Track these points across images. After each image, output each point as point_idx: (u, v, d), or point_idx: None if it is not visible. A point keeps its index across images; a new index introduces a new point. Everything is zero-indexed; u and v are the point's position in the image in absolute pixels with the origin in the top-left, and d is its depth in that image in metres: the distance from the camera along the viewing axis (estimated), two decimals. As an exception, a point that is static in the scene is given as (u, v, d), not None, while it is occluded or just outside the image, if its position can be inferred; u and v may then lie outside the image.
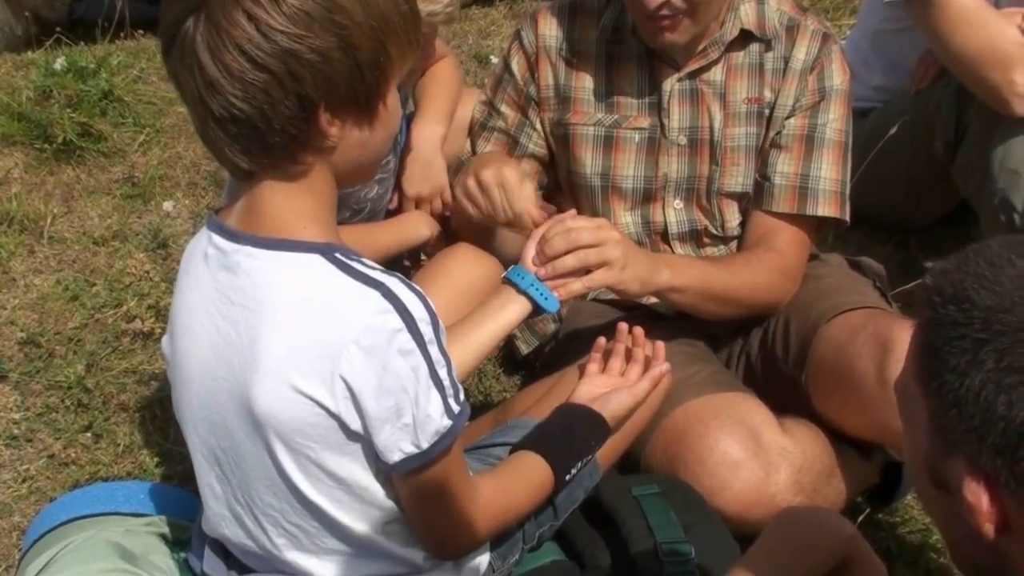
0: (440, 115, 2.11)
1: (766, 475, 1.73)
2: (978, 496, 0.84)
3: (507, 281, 1.69)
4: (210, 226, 1.30)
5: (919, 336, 0.90)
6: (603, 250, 1.67)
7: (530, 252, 1.69)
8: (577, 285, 1.67)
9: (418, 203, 2.08)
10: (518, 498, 1.46)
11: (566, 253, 1.65)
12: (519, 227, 1.76)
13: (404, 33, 1.23)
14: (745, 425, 1.76)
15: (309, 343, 1.21)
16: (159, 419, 2.08)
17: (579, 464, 1.55)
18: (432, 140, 2.08)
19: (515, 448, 1.54)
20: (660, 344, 1.69)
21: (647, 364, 1.68)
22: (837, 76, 1.93)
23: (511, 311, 1.66)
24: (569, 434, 1.57)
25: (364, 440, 1.26)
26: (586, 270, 1.67)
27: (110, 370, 2.17)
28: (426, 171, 2.06)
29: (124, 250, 2.47)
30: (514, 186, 1.74)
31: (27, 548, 1.60)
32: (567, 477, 1.53)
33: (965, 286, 0.85)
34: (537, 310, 1.67)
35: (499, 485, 1.43)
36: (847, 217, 1.95)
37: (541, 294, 1.65)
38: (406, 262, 2.08)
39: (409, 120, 2.11)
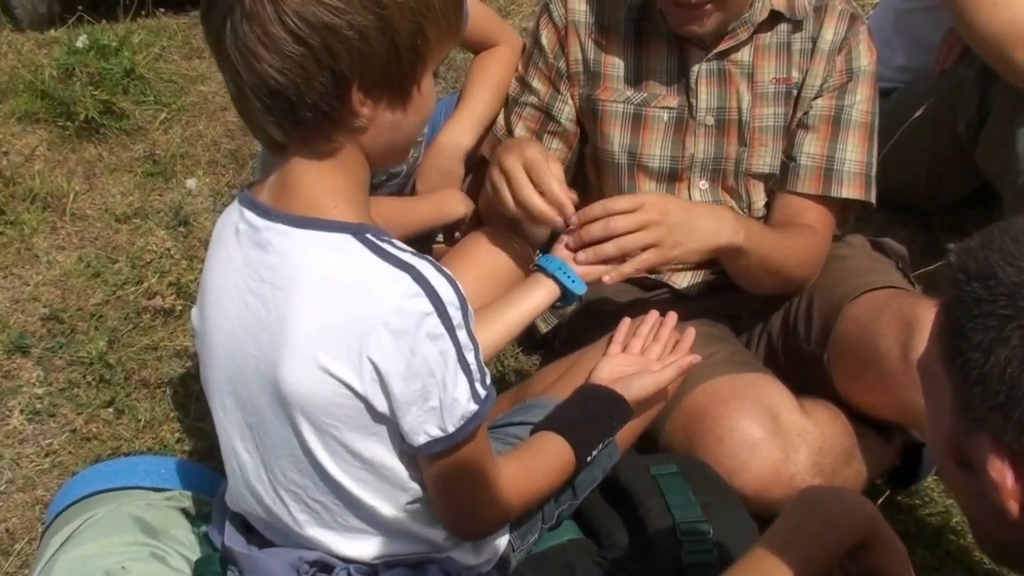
0: (474, 125, 2.05)
1: (785, 456, 1.73)
2: (1003, 474, 0.84)
3: (536, 267, 1.70)
4: (242, 201, 1.30)
5: (943, 315, 0.90)
6: (644, 235, 1.66)
7: (561, 238, 1.69)
8: (627, 267, 1.67)
9: None
10: (540, 479, 1.47)
11: (605, 240, 1.65)
12: (540, 219, 1.70)
13: (445, 18, 1.22)
14: (764, 405, 1.75)
15: (338, 323, 1.21)
16: (180, 395, 2.09)
17: (600, 445, 1.55)
18: (456, 151, 2.04)
19: (537, 428, 1.54)
20: (691, 331, 1.69)
21: (673, 348, 1.68)
22: (864, 57, 1.92)
23: (538, 296, 1.67)
24: (591, 415, 1.57)
25: (390, 422, 1.26)
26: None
27: (131, 346, 2.18)
28: (442, 179, 2.05)
29: (145, 227, 2.48)
30: (539, 163, 1.70)
31: (50, 521, 1.62)
32: (588, 458, 1.53)
33: (990, 263, 0.85)
34: (566, 295, 1.67)
35: (522, 467, 1.43)
36: (873, 199, 1.94)
37: (569, 278, 1.66)
38: (439, 237, 2.07)
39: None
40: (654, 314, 1.71)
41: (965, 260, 0.87)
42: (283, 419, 1.28)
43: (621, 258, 1.67)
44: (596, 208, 1.68)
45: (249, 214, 1.28)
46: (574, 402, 1.60)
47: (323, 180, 1.24)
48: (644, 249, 1.67)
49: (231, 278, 1.30)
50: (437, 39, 1.22)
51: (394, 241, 1.25)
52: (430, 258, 1.25)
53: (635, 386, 1.61)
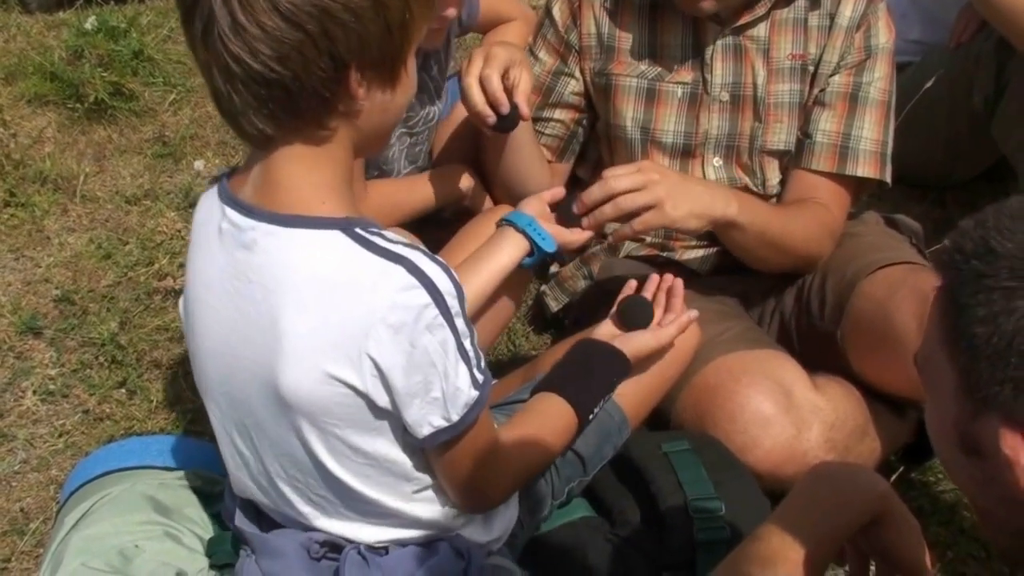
0: None
1: (797, 432, 1.72)
2: (1016, 449, 0.83)
3: (504, 222, 1.69)
4: (223, 197, 1.27)
5: (941, 299, 0.89)
6: (643, 194, 1.65)
7: (532, 199, 1.70)
8: (626, 229, 1.67)
9: None
10: (544, 444, 1.46)
11: (604, 202, 1.65)
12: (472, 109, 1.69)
13: None
14: (776, 382, 1.75)
15: (334, 324, 1.19)
16: (191, 376, 2.07)
17: (601, 403, 1.55)
18: None
19: (536, 389, 1.54)
20: (679, 281, 1.68)
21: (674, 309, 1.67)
22: (883, 35, 1.90)
23: (506, 253, 1.67)
24: (589, 372, 1.56)
25: (392, 416, 1.25)
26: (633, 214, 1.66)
27: (143, 327, 2.19)
28: (460, 151, 2.04)
29: (155, 209, 2.48)
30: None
31: (64, 500, 1.62)
32: (590, 416, 1.53)
33: (987, 239, 0.85)
34: (534, 252, 1.66)
35: (525, 435, 1.43)
36: (888, 178, 1.93)
37: (539, 234, 1.65)
38: (445, 214, 2.06)
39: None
40: (655, 277, 1.70)
41: (960, 241, 0.87)
42: (282, 421, 1.27)
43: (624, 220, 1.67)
44: (596, 183, 1.68)
45: (232, 212, 1.24)
46: (572, 360, 1.59)
47: (309, 174, 1.21)
48: (645, 210, 1.66)
49: (217, 280, 1.27)
50: (420, 14, 1.21)
51: (384, 233, 1.22)
52: (422, 248, 1.23)
53: (635, 342, 1.60)
